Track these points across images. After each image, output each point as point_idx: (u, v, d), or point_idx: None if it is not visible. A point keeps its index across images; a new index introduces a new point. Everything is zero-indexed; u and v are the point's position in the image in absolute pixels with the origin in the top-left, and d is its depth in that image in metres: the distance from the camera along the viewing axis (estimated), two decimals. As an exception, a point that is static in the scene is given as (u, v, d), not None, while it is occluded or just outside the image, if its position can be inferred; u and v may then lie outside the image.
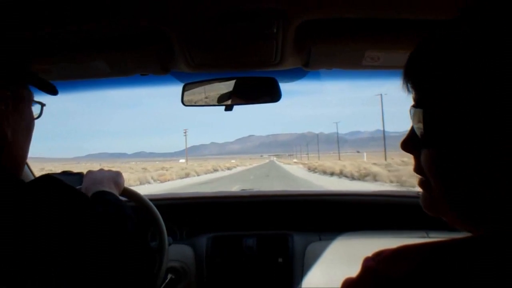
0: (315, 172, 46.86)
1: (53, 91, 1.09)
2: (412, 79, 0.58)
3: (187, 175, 43.99)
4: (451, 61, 0.52)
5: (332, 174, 39.21)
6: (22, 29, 1.25)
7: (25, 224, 0.77)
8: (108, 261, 0.87)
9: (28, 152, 1.04)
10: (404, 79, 0.60)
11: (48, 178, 0.91)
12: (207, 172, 56.48)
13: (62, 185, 0.90)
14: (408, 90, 0.59)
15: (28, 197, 0.81)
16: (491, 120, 0.48)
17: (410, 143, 0.61)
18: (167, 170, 46.20)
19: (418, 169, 0.60)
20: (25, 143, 1.01)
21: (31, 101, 1.03)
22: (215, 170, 62.33)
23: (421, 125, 0.56)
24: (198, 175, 46.49)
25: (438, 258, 0.50)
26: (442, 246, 0.52)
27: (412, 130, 0.60)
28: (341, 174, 36.17)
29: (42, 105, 1.08)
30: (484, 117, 0.48)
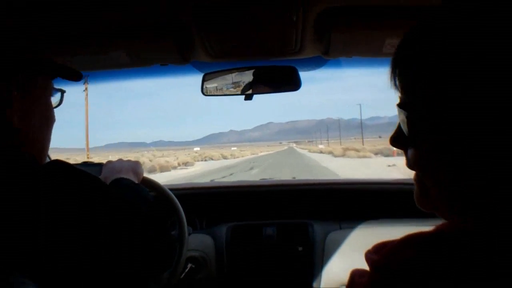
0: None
1: (77, 77, 1.07)
2: (397, 76, 0.58)
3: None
4: (429, 59, 0.51)
5: None
6: (40, 21, 1.26)
7: (34, 207, 0.77)
8: (122, 243, 0.87)
9: (48, 139, 1.03)
10: (391, 74, 0.60)
11: (58, 162, 0.91)
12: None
13: (73, 169, 0.90)
14: (396, 88, 0.59)
15: (37, 181, 0.81)
16: (471, 118, 0.48)
17: (399, 139, 0.61)
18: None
19: (409, 165, 0.60)
20: (41, 130, 1.00)
21: (49, 89, 1.02)
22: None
23: (405, 125, 0.56)
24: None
25: (441, 246, 0.51)
26: (445, 235, 0.53)
27: (399, 128, 0.60)
28: None
29: (62, 92, 1.07)
30: (464, 115, 0.48)
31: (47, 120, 1.02)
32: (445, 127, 0.50)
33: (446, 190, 0.54)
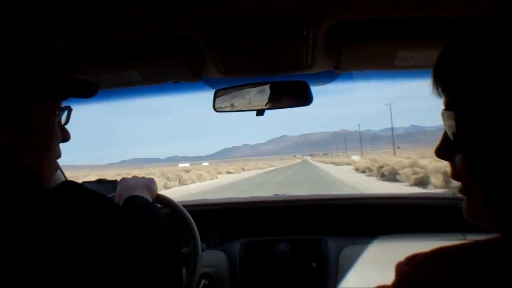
0: None
1: (92, 90, 1.05)
2: (442, 83, 0.56)
3: None
4: (482, 60, 0.50)
5: None
6: (54, 40, 1.28)
7: (43, 232, 0.77)
8: (132, 265, 0.86)
9: (51, 157, 0.99)
10: (433, 83, 0.58)
11: (69, 184, 0.91)
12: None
13: (84, 190, 0.89)
14: (439, 95, 0.57)
15: (47, 205, 0.81)
16: None
17: (444, 149, 0.59)
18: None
19: (455, 175, 0.57)
20: (40, 151, 0.96)
21: (53, 109, 0.99)
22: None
23: (454, 129, 0.54)
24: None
25: (473, 258, 0.50)
26: (477, 246, 0.52)
27: (445, 136, 0.58)
28: None
29: (69, 110, 1.04)
30: None
31: (49, 139, 0.98)
32: (500, 126, 0.48)
33: (500, 199, 0.51)
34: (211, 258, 2.06)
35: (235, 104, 1.70)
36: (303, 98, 1.64)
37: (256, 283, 2.06)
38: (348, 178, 30.76)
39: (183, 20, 1.21)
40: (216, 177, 47.50)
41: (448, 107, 0.55)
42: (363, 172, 37.81)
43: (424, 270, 0.52)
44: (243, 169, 71.78)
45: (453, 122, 0.54)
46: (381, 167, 32.03)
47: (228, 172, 62.20)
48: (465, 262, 0.50)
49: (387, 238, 2.04)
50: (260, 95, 1.66)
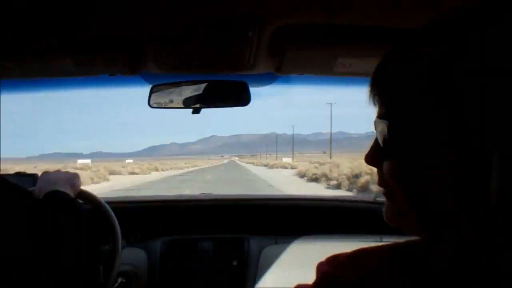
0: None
1: None
2: (379, 92, 0.58)
3: None
4: (418, 71, 0.51)
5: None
6: (54, 40, 1.24)
7: None
8: (52, 260, 0.85)
9: None
10: (370, 91, 0.59)
11: None
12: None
13: (9, 186, 0.88)
14: (374, 103, 0.59)
15: None
16: (454, 130, 0.47)
17: (374, 156, 0.60)
18: None
19: (382, 181, 0.59)
20: None
21: None
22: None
23: (385, 137, 0.56)
24: None
25: (393, 259, 0.52)
26: (397, 248, 0.55)
27: (375, 144, 0.60)
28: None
29: None
30: (447, 128, 0.47)
31: None
32: (429, 135, 0.49)
33: (419, 199, 0.53)
34: (131, 256, 2.02)
35: (172, 101, 1.67)
36: (242, 99, 1.65)
37: (176, 281, 2.06)
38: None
39: (124, 15, 1.18)
40: (108, 180, 36.88)
41: (382, 116, 0.57)
42: (314, 180, 30.26)
43: (345, 271, 0.54)
44: (157, 169, 62.01)
45: (385, 130, 0.55)
46: (356, 175, 23.28)
47: (132, 173, 50.95)
48: (384, 263, 0.52)
49: (308, 239, 2.10)
50: (198, 93, 1.65)
